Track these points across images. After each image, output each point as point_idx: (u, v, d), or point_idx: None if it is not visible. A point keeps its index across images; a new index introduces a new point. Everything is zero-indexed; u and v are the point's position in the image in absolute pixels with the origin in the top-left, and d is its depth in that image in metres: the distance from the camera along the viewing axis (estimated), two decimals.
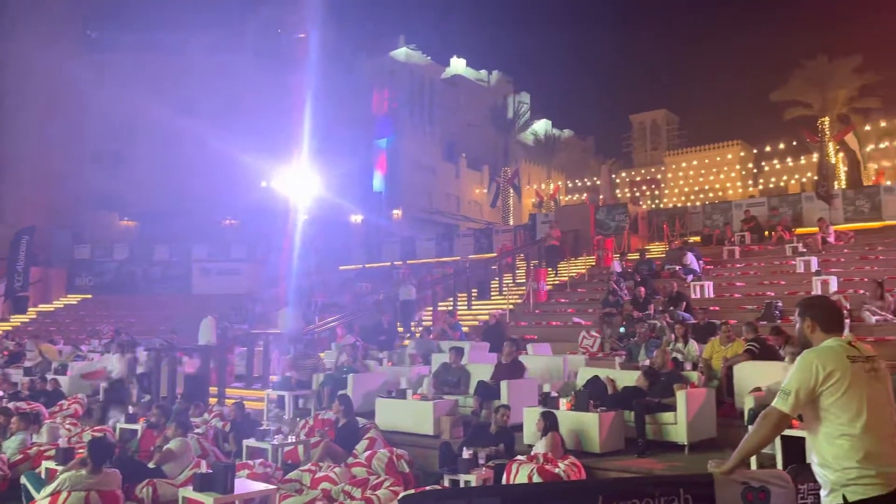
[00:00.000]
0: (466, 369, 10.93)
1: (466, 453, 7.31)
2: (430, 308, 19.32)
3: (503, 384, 9.62)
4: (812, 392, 3.15)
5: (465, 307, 19.96)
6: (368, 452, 8.17)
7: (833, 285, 14.19)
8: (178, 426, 8.38)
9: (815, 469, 3.21)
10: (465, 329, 16.90)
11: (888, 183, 25.15)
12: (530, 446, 7.88)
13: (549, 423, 7.52)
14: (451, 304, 19.65)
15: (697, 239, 22.12)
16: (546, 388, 9.29)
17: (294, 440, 9.13)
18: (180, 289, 30.71)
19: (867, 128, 31.34)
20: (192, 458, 7.96)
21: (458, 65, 52.08)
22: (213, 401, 12.86)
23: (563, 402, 8.39)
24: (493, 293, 21.04)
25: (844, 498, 3.04)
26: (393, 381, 11.62)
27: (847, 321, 12.08)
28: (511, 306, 19.14)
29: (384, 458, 7.83)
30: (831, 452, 3.11)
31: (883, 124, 31.54)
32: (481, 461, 7.36)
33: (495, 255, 25.25)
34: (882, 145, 31.77)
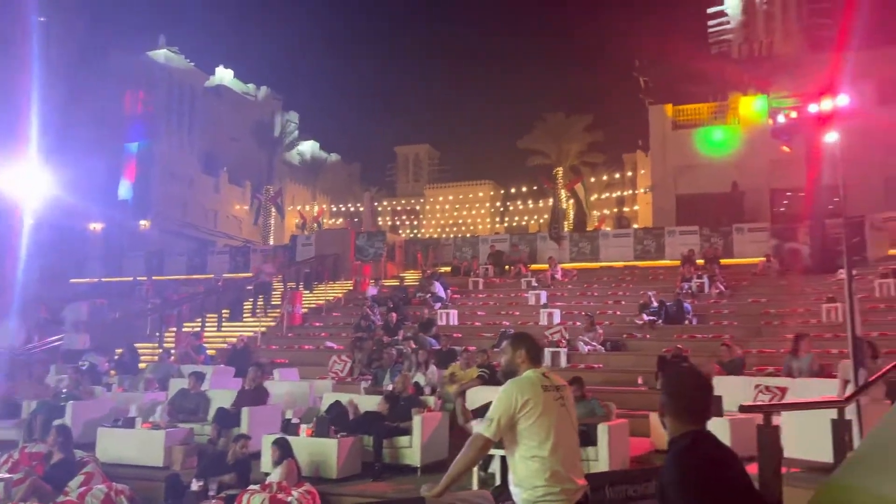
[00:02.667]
0: (206, 395, 10.43)
1: (196, 485, 6.96)
2: (174, 329, 18.11)
3: (244, 411, 9.34)
4: (511, 419, 3.51)
5: (215, 329, 19.06)
6: (83, 489, 7.39)
7: (556, 317, 15.94)
8: None
9: (511, 488, 3.56)
10: (211, 352, 16.11)
11: (607, 229, 29.06)
12: (267, 474, 7.72)
13: (283, 451, 7.45)
14: (200, 324, 18.63)
15: (448, 269, 23.51)
16: (288, 415, 9.19)
17: None
18: None
19: (592, 179, 36.01)
20: None
21: (224, 75, 49.97)
22: None
23: (303, 429, 8.37)
24: (245, 315, 20.36)
25: None
26: (123, 408, 10.67)
27: (565, 350, 13.70)
28: (264, 329, 18.68)
29: (100, 494, 7.15)
30: (523, 472, 3.48)
31: (605, 178, 36.50)
32: (212, 493, 7.06)
33: (251, 274, 24.50)
34: (604, 196, 36.74)
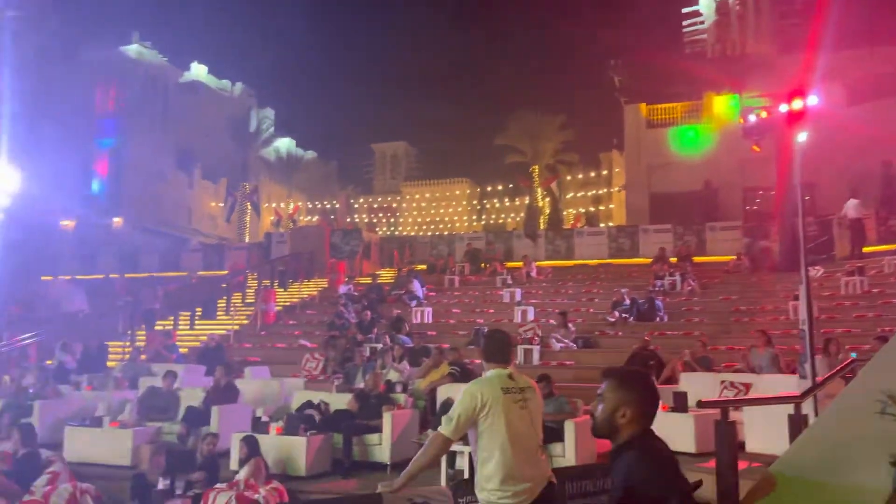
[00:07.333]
0: (177, 394, 10.36)
1: (162, 483, 6.92)
2: (144, 327, 17.93)
3: (214, 409, 9.30)
4: (470, 419, 3.53)
5: (188, 327, 18.91)
6: (48, 488, 7.30)
7: (530, 315, 16.03)
8: None
9: (475, 488, 3.60)
10: (183, 350, 16.00)
11: (582, 227, 29.26)
12: (236, 472, 7.70)
13: (251, 449, 7.43)
14: (172, 323, 18.47)
15: (423, 267, 23.52)
16: (259, 413, 9.17)
17: None
18: None
19: (569, 178, 36.25)
20: None
21: (199, 70, 49.32)
22: None
23: (273, 427, 8.35)
24: (219, 313, 20.22)
25: None
26: (92, 407, 10.59)
27: (538, 347, 13.79)
28: (237, 327, 18.57)
29: (65, 493, 7.06)
30: (483, 473, 3.52)
31: (580, 176, 36.75)
32: (179, 491, 7.02)
33: (226, 272, 24.34)
34: (579, 194, 36.99)
